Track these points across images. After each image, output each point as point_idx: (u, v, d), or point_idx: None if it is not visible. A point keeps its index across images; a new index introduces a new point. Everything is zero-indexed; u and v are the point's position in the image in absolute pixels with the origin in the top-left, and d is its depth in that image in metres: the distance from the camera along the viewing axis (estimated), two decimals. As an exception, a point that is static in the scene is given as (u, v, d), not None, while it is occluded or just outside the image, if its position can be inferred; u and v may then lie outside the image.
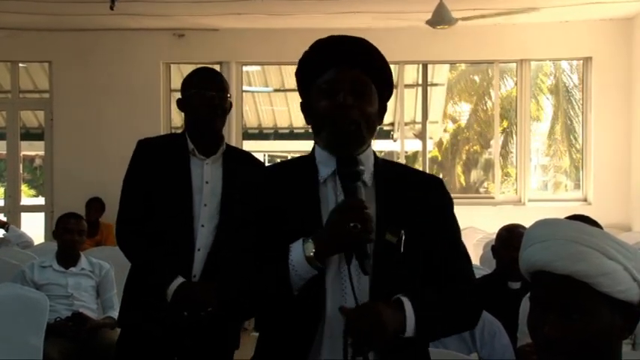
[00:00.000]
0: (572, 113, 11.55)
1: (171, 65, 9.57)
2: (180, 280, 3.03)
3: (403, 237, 1.93)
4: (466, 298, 2.02)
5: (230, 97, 3.27)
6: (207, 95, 3.13)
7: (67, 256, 5.14)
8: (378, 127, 2.08)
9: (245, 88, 10.01)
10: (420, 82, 9.85)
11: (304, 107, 2.08)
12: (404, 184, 2.04)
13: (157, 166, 3.15)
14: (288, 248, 1.86)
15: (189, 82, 3.24)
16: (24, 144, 9.85)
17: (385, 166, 2.09)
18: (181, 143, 3.19)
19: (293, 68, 2.12)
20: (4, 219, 8.46)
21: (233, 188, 3.09)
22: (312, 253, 1.83)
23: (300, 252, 1.85)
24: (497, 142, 10.09)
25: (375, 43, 2.07)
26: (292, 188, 1.99)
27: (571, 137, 11.44)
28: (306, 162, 2.06)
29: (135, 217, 3.14)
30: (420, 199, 2.01)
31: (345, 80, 1.97)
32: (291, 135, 13.71)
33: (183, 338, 3.08)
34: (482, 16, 8.25)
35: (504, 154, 11.66)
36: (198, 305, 3.02)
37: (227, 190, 3.15)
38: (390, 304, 1.85)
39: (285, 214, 1.95)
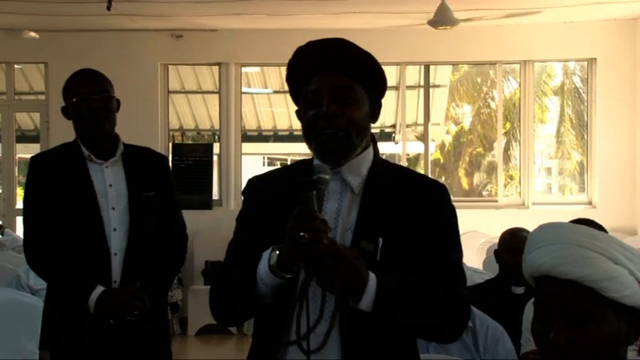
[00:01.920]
0: (576, 115, 11.48)
1: (169, 66, 9.51)
2: (100, 288, 3.01)
3: (380, 245, 1.89)
4: (446, 303, 1.96)
5: (114, 95, 3.21)
6: (89, 101, 3.10)
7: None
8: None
9: (244, 89, 9.92)
10: (422, 83, 9.81)
11: (298, 114, 2.05)
12: (399, 190, 2.00)
13: (56, 178, 3.13)
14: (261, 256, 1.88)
15: (68, 89, 3.19)
16: (19, 146, 9.83)
17: (383, 170, 2.03)
18: (76, 151, 3.17)
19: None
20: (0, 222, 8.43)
21: (139, 187, 3.16)
22: (274, 262, 1.83)
23: (266, 261, 1.86)
24: (500, 144, 10.03)
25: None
26: (284, 195, 1.98)
27: (575, 139, 11.37)
28: (304, 167, 2.01)
29: (43, 234, 3.11)
30: (415, 206, 1.97)
31: (327, 88, 1.92)
32: (291, 137, 13.65)
33: (114, 346, 3.06)
34: (485, 18, 8.16)
35: (508, 156, 11.60)
36: (125, 310, 3.03)
37: (133, 191, 3.15)
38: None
39: (273, 222, 1.94)
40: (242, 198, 2.13)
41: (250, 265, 1.88)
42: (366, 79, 1.98)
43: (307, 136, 1.98)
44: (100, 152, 3.16)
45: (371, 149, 2.05)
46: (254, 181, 2.12)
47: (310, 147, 2.00)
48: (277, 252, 1.83)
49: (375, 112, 2.02)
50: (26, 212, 3.17)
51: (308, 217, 1.80)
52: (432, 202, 1.99)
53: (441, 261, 1.97)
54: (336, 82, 1.93)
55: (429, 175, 9.81)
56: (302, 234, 1.77)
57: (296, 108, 2.05)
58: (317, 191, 1.85)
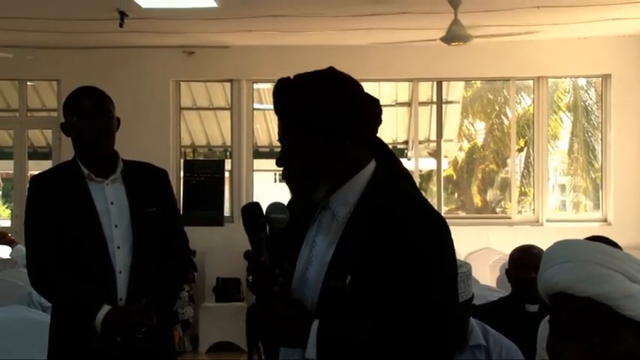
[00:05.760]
0: (590, 131, 11.40)
1: (181, 83, 9.51)
2: (106, 308, 2.97)
3: (348, 283, 1.78)
4: (407, 331, 1.77)
5: (115, 114, 3.20)
6: (90, 121, 3.08)
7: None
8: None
9: (256, 105, 9.89)
10: (435, 99, 9.76)
11: None
12: (382, 219, 1.81)
13: (57, 198, 3.09)
14: None
15: (70, 107, 3.17)
16: (31, 163, 9.75)
17: (377, 196, 1.87)
18: (76, 170, 3.14)
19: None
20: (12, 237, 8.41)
21: (141, 204, 3.12)
22: None
23: None
24: (513, 160, 9.99)
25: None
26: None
27: (590, 156, 11.29)
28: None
29: (47, 255, 3.06)
30: (394, 238, 1.78)
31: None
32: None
33: None
34: (498, 34, 8.12)
35: (521, 173, 11.52)
36: (132, 329, 2.99)
37: (135, 207, 3.12)
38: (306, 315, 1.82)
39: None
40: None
41: None
42: (297, 121, 1.86)
43: None
44: (99, 170, 3.13)
45: (366, 172, 1.90)
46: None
47: None
48: None
49: (338, 146, 1.85)
50: (28, 233, 3.13)
51: (251, 260, 1.87)
52: (409, 235, 1.79)
53: (412, 299, 1.77)
54: (279, 128, 1.93)
55: (442, 192, 9.77)
56: (248, 277, 1.86)
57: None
58: (268, 232, 1.88)
